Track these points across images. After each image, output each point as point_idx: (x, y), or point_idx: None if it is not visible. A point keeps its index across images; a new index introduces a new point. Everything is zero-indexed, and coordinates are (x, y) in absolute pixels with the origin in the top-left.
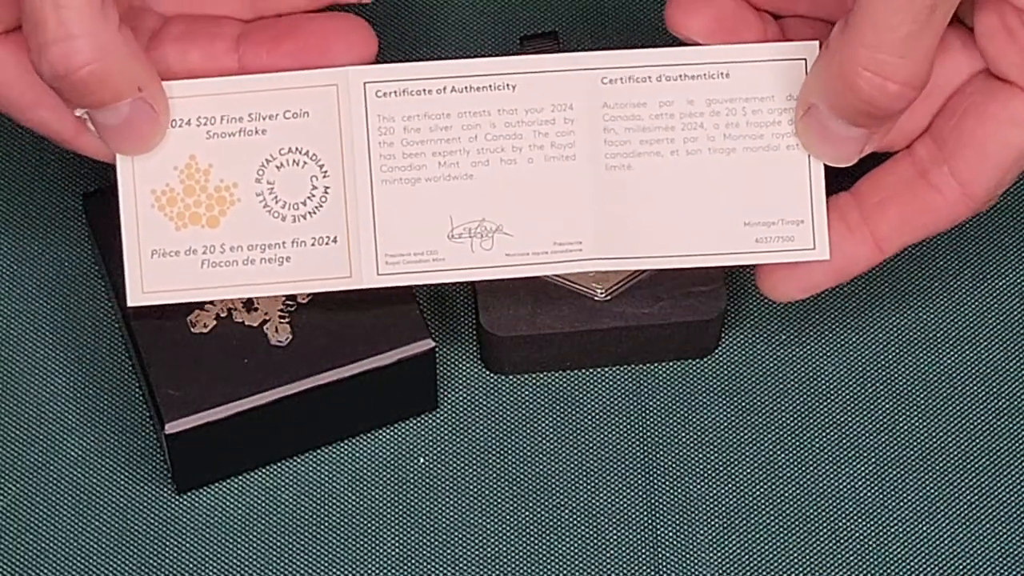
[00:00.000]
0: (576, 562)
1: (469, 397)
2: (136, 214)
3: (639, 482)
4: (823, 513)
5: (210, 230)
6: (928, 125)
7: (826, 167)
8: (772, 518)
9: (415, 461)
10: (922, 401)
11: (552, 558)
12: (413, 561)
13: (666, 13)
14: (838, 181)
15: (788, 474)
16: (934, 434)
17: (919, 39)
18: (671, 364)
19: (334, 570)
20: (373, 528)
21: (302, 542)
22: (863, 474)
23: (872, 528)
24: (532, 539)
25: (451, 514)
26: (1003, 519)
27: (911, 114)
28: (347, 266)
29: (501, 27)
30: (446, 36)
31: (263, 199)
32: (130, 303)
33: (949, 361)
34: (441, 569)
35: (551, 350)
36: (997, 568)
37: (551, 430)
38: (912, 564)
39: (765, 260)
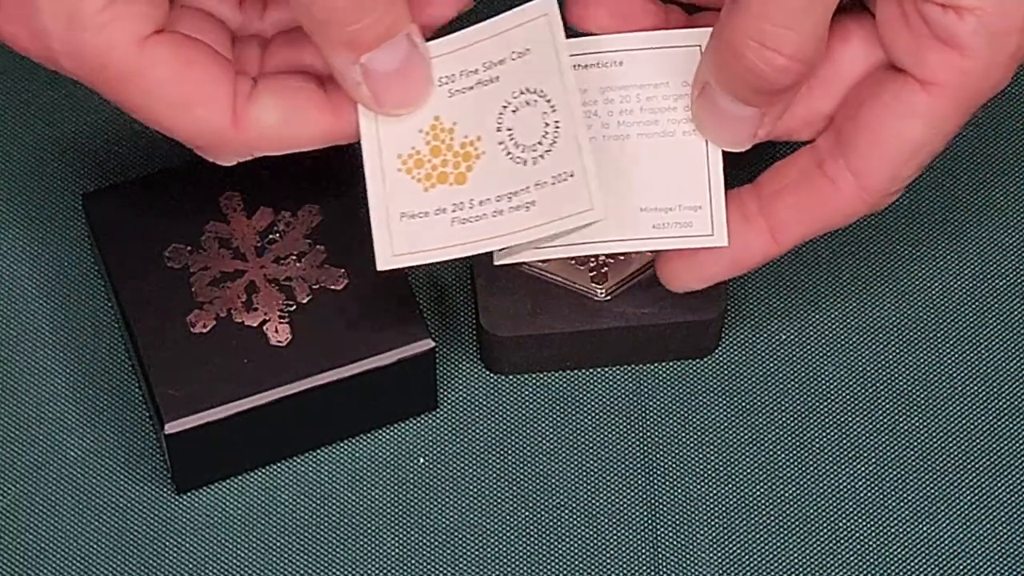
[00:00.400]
0: (576, 562)
1: (469, 397)
2: (383, 180)
3: (639, 482)
4: (823, 513)
5: (458, 187)
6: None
7: (728, 156)
8: (772, 518)
9: (415, 461)
10: (922, 401)
11: (552, 558)
12: (413, 561)
13: (567, 11)
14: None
15: (788, 474)
16: (934, 434)
17: (808, 12)
18: (671, 364)
19: (334, 570)
20: (373, 528)
21: (302, 542)
22: (863, 474)
23: (872, 528)
24: (532, 539)
25: (451, 514)
26: (1003, 519)
27: (815, 103)
28: (587, 198)
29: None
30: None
31: (504, 147)
32: (380, 267)
33: (949, 361)
34: (441, 569)
35: (551, 350)
36: (997, 568)
37: (551, 430)
38: (912, 564)
39: (663, 246)
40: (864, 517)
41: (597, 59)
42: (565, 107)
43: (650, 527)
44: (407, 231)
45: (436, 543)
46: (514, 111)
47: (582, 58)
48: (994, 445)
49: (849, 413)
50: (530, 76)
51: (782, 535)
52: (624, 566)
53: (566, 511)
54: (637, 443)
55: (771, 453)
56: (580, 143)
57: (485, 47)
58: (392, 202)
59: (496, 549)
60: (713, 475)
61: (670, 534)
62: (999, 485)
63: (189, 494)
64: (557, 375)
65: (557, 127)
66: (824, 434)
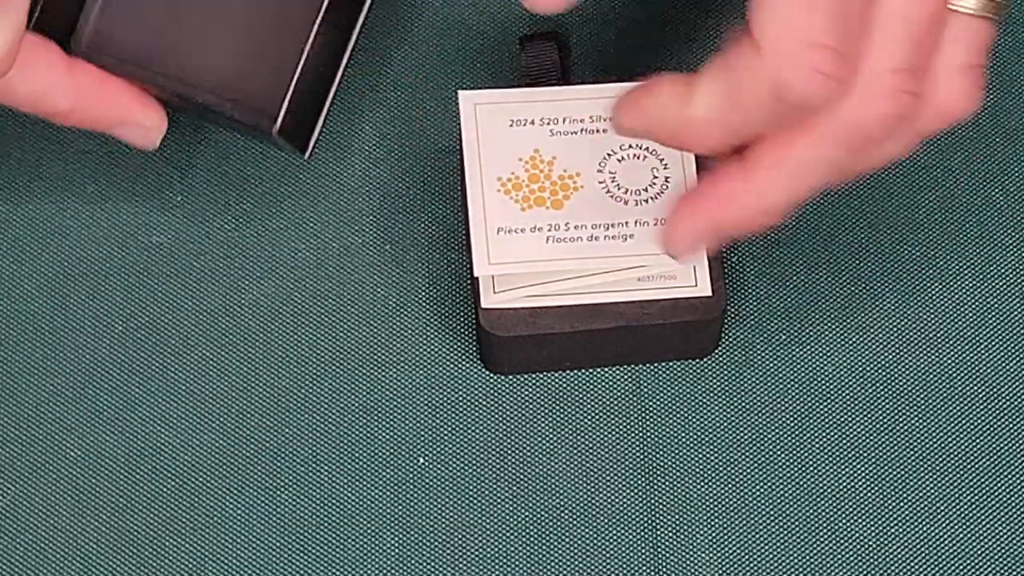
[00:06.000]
0: (576, 562)
1: (469, 397)
2: (483, 197)
3: (639, 482)
4: (823, 513)
5: (554, 211)
6: None
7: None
8: (772, 518)
9: (415, 461)
10: (922, 401)
11: (552, 558)
12: (413, 561)
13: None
14: None
15: (788, 474)
16: (934, 434)
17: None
18: (671, 364)
19: (334, 570)
20: (373, 528)
21: (302, 542)
22: (863, 474)
23: (872, 528)
24: (532, 539)
25: (451, 514)
26: (1003, 519)
27: None
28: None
29: (501, 27)
30: (447, 35)
31: (605, 186)
32: (477, 272)
33: (949, 361)
34: (441, 569)
35: (551, 350)
36: (997, 568)
37: (551, 430)
38: (912, 564)
39: (650, 297)
40: (864, 517)
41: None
42: (678, 168)
43: (650, 527)
44: (502, 243)
45: (436, 543)
46: (620, 160)
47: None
48: (994, 445)
49: (849, 413)
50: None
51: (782, 535)
52: (624, 566)
53: (566, 511)
54: (637, 443)
55: (771, 453)
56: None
57: (596, 104)
58: (490, 217)
59: (496, 549)
60: (713, 475)
61: (670, 534)
62: (999, 485)
63: (194, 487)
64: (557, 375)
65: (667, 181)
66: (824, 434)
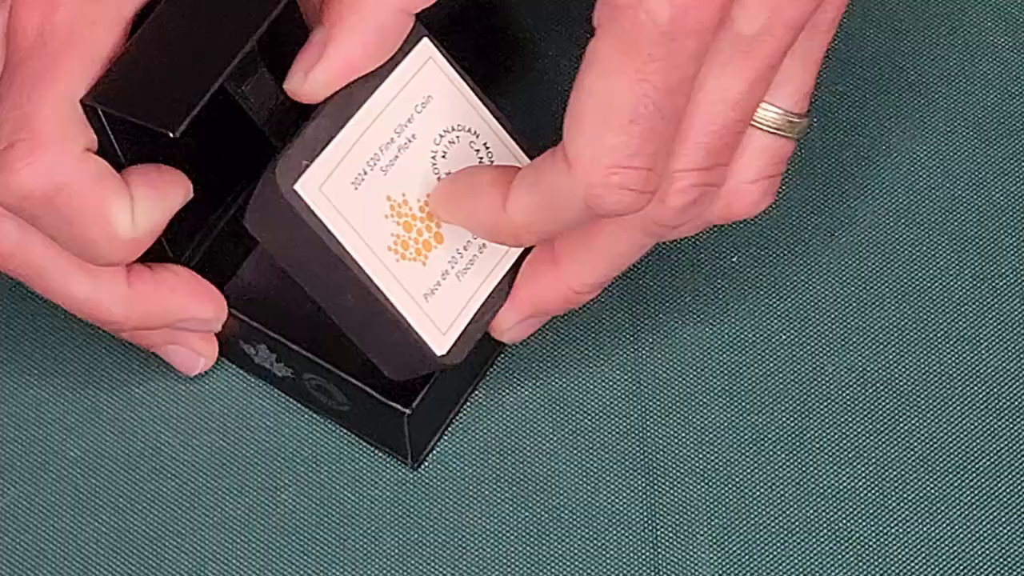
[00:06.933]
0: (576, 562)
1: (469, 397)
2: (394, 278)
3: (639, 482)
4: (823, 513)
5: (440, 246)
6: None
7: None
8: (772, 518)
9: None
10: (922, 401)
11: (552, 558)
12: (413, 561)
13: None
14: None
15: (788, 474)
16: (934, 434)
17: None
18: (671, 364)
19: (334, 570)
20: (373, 528)
21: (302, 542)
22: (863, 474)
23: (872, 528)
24: (532, 539)
25: (451, 514)
26: (1003, 519)
27: None
28: None
29: None
30: None
31: None
32: (439, 354)
33: (949, 361)
34: (441, 569)
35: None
36: (997, 568)
37: (551, 430)
38: (912, 564)
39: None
40: (864, 517)
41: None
42: (485, 126)
43: (650, 527)
44: (437, 308)
45: (436, 543)
46: (444, 156)
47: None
48: (994, 445)
49: (849, 413)
50: (442, 118)
51: (782, 535)
52: (624, 566)
53: (566, 511)
54: (637, 443)
55: (771, 453)
56: (514, 153)
57: (387, 117)
58: (412, 290)
59: (496, 549)
60: (713, 475)
61: (670, 534)
62: (999, 485)
63: (193, 493)
64: (557, 375)
65: (488, 148)
66: (824, 434)
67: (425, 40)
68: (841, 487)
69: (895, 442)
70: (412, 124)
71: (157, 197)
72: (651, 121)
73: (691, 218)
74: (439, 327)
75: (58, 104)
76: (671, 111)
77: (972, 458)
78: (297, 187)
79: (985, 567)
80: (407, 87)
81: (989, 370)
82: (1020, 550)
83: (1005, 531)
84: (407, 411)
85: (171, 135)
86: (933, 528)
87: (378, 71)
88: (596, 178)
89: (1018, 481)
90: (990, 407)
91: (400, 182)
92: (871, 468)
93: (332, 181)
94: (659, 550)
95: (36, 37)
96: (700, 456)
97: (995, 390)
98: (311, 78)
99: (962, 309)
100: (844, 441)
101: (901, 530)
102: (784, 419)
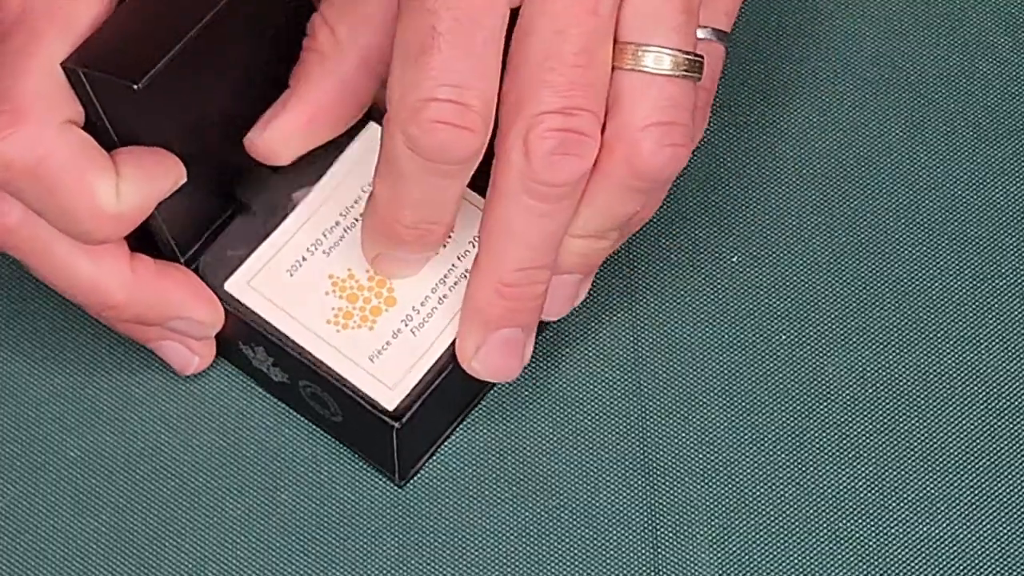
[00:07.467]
0: (576, 562)
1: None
2: (335, 349)
3: (639, 482)
4: (823, 513)
5: (393, 308)
6: None
7: None
8: (772, 518)
9: None
10: (922, 401)
11: (552, 558)
12: (413, 561)
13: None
14: None
15: (788, 474)
16: (934, 434)
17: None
18: (671, 364)
19: (334, 570)
20: (373, 528)
21: (302, 542)
22: (863, 474)
23: (872, 528)
24: (532, 539)
25: (451, 514)
26: (1003, 519)
27: None
28: None
29: None
30: None
31: None
32: (392, 409)
33: (949, 361)
34: (441, 569)
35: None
36: (997, 568)
37: (551, 430)
38: (912, 564)
39: None
40: (864, 517)
41: None
42: None
43: (650, 527)
44: (385, 370)
45: (436, 543)
46: None
47: None
48: (994, 445)
49: (849, 413)
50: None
51: (782, 535)
52: (624, 566)
53: (566, 511)
54: (637, 443)
55: (771, 453)
56: (470, 219)
57: (332, 203)
58: (355, 355)
59: (496, 549)
60: (713, 475)
61: (670, 534)
62: (999, 485)
63: (188, 492)
64: (557, 375)
65: None
66: (824, 434)
67: (372, 124)
68: (841, 487)
69: (895, 442)
70: (359, 204)
71: (144, 176)
72: (442, 50)
73: (571, 173)
74: (385, 383)
75: (40, 77)
76: (463, 39)
77: (972, 458)
78: (227, 285)
79: (985, 567)
80: (353, 171)
81: (989, 370)
82: (1020, 550)
83: (1005, 531)
84: (396, 424)
85: (135, 87)
86: (933, 528)
87: (322, 158)
88: (406, 116)
89: (1018, 481)
90: (990, 407)
91: (345, 259)
92: (871, 468)
93: (264, 273)
94: (659, 550)
95: (19, 12)
96: (700, 456)
97: (995, 390)
98: (269, 129)
99: (962, 309)
100: (844, 441)
101: (901, 530)
102: (784, 419)
